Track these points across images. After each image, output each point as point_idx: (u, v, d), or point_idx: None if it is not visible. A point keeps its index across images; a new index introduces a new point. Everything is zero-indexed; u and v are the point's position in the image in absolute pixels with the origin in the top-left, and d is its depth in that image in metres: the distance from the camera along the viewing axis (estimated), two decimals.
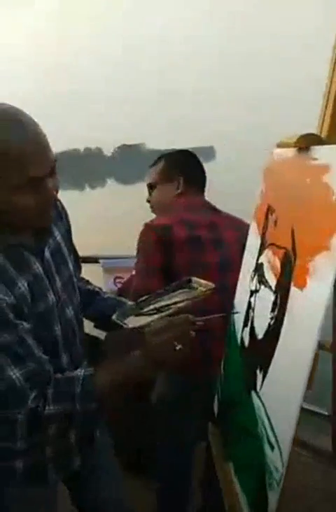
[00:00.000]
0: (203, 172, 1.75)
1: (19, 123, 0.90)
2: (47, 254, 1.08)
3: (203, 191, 1.74)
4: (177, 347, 0.96)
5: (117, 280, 3.28)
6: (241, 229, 1.58)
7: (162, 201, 1.72)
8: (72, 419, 1.03)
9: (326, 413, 2.11)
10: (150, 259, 1.52)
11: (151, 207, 1.78)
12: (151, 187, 1.75)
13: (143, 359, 1.01)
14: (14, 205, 0.93)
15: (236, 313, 1.21)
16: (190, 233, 1.50)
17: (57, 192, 0.99)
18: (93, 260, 2.82)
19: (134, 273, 1.61)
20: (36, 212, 0.96)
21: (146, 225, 1.57)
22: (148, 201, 1.78)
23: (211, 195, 1.74)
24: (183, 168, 1.70)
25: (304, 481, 2.37)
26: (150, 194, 1.76)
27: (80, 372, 1.02)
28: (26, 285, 1.00)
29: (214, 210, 1.67)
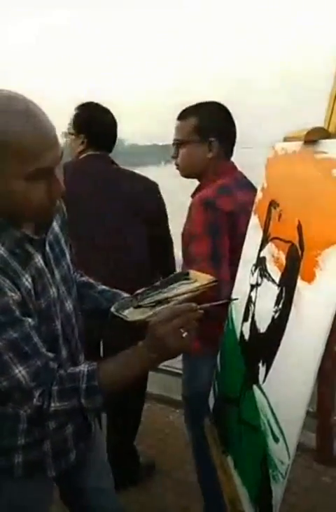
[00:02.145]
0: (235, 132, 1.61)
1: (31, 112, 0.88)
2: (47, 247, 1.06)
3: (232, 153, 1.62)
4: (184, 335, 0.95)
5: None
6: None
7: (191, 163, 1.59)
8: (78, 414, 1.01)
9: (311, 410, 2.15)
10: (221, 245, 1.40)
11: (176, 165, 1.64)
12: (179, 144, 1.59)
13: (151, 349, 0.98)
14: (24, 196, 0.90)
15: (236, 299, 1.20)
16: (246, 224, 1.37)
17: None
18: None
19: (197, 257, 1.43)
20: (46, 203, 0.94)
21: (209, 203, 1.42)
22: (174, 157, 1.63)
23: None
24: (218, 128, 1.55)
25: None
26: (177, 151, 1.61)
27: (83, 367, 1.00)
28: (30, 279, 0.97)
29: (248, 183, 1.59)
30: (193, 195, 1.65)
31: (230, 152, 1.61)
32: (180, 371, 1.83)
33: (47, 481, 1.17)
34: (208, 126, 1.54)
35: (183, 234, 1.62)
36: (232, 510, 1.10)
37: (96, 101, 1.96)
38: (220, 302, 1.13)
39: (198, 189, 1.62)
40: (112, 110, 1.97)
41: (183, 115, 1.59)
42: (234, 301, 1.28)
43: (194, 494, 1.91)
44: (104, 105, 1.98)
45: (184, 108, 1.60)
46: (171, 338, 0.95)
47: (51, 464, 1.13)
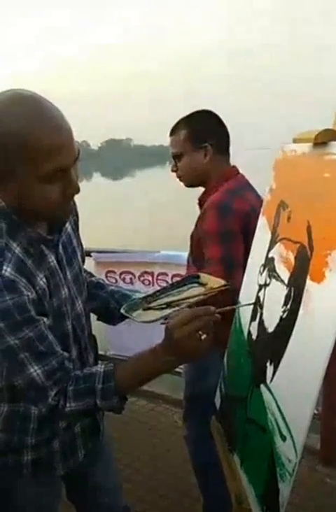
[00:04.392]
0: (227, 134, 1.68)
1: (48, 112, 0.88)
2: (60, 247, 1.07)
3: (228, 155, 1.68)
4: (202, 338, 0.95)
5: (109, 274, 3.26)
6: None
7: (191, 171, 1.66)
8: (94, 414, 1.01)
9: (315, 412, 2.14)
10: (235, 251, 1.43)
11: (179, 177, 1.71)
12: (176, 157, 1.67)
13: (168, 351, 0.98)
14: (40, 195, 0.91)
15: (252, 304, 1.21)
16: (255, 223, 1.36)
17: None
18: (85, 253, 2.82)
19: (210, 261, 1.46)
20: (61, 202, 0.94)
21: (225, 207, 1.47)
22: (174, 171, 1.70)
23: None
24: (210, 133, 1.63)
25: None
26: (175, 164, 1.68)
27: (100, 368, 1.01)
28: (44, 279, 0.98)
29: (250, 185, 1.65)
30: (200, 200, 1.67)
31: (226, 155, 1.67)
32: None
33: (56, 479, 1.18)
34: (200, 133, 1.62)
35: (191, 237, 1.63)
36: (238, 507, 1.10)
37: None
38: (240, 305, 1.15)
39: (205, 194, 1.65)
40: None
41: (174, 130, 1.66)
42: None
43: (198, 493, 1.91)
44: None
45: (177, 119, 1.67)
46: (189, 341, 0.95)
47: (60, 462, 1.14)
